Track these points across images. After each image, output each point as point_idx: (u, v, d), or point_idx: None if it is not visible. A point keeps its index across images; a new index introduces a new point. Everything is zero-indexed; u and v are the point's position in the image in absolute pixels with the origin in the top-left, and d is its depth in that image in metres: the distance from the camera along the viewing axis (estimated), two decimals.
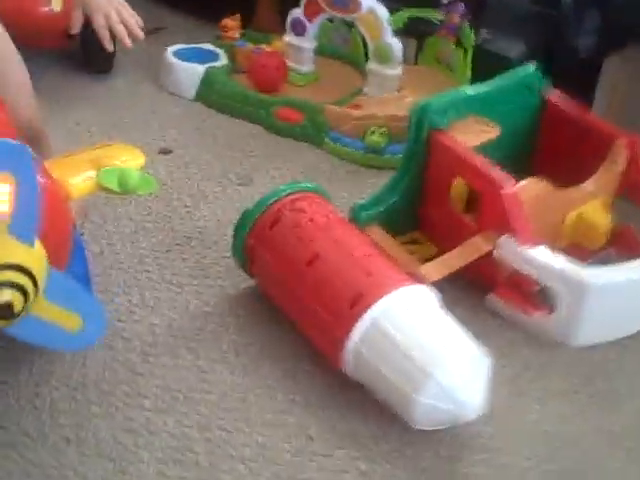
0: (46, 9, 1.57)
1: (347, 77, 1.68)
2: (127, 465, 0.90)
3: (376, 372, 0.91)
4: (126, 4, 1.06)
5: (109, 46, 1.07)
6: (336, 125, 1.50)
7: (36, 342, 0.88)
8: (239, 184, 1.40)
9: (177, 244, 1.24)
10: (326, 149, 1.51)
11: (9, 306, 0.78)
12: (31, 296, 0.79)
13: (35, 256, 0.80)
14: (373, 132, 1.46)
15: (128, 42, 1.07)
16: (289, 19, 1.61)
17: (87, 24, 1.59)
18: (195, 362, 1.03)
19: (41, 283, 0.80)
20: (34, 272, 0.79)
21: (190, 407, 0.97)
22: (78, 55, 1.71)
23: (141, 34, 1.08)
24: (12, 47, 1.12)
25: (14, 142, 0.80)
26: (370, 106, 1.52)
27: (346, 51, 1.73)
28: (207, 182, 1.40)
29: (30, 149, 0.81)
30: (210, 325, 1.09)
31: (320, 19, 1.60)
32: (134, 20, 1.07)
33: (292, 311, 1.04)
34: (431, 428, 0.91)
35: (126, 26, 1.06)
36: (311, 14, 1.58)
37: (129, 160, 1.03)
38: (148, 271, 1.18)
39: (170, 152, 1.47)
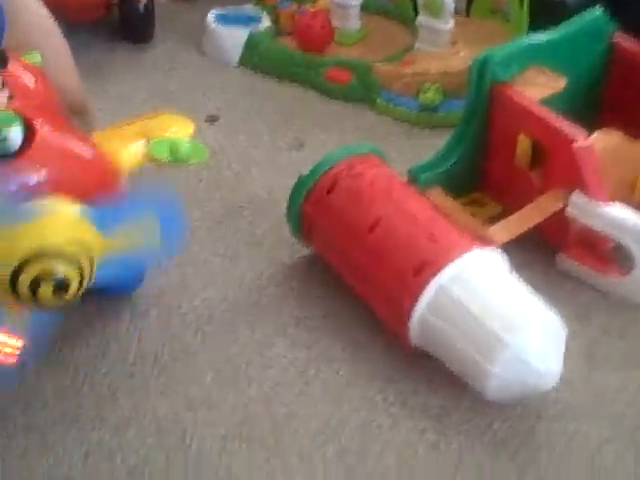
0: None
1: (396, 33, 1.61)
2: (190, 443, 0.87)
3: (446, 341, 0.87)
4: None
5: None
6: (387, 84, 1.44)
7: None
8: (290, 149, 1.35)
9: (229, 214, 1.20)
10: (378, 109, 1.45)
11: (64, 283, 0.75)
12: (86, 271, 0.77)
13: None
14: (427, 89, 1.39)
15: None
16: None
17: None
18: (253, 336, 1.00)
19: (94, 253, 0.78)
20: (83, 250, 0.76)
21: (251, 382, 0.94)
22: (118, 26, 1.67)
23: None
24: (51, 21, 1.10)
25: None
26: (422, 62, 1.45)
27: (393, 6, 1.66)
28: (257, 149, 1.35)
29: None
30: (266, 297, 1.05)
31: None
32: None
33: (353, 280, 1.00)
34: (505, 399, 0.86)
35: None
36: None
37: (179, 130, 1.00)
38: (201, 243, 1.14)
39: (217, 119, 1.43)
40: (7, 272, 0.73)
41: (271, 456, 0.86)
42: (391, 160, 1.12)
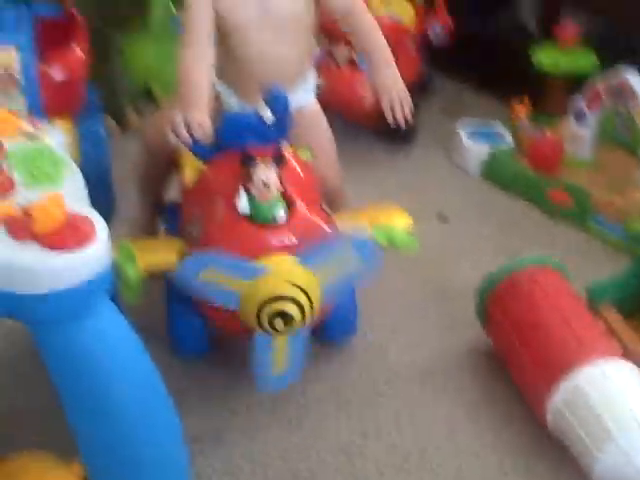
0: (363, 90, 1.88)
1: (624, 166, 1.77)
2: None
3: (571, 428, 1.05)
4: (405, 91, 1.29)
5: (390, 118, 1.30)
6: (602, 210, 1.62)
7: None
8: (503, 254, 1.56)
9: (434, 298, 1.46)
10: (590, 232, 1.64)
11: (287, 319, 1.07)
12: (294, 327, 1.08)
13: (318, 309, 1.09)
14: (635, 220, 1.54)
15: (402, 119, 1.29)
16: (571, 106, 1.75)
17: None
18: (425, 391, 1.25)
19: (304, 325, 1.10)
20: (310, 317, 1.08)
21: (411, 425, 1.18)
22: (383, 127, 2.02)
23: (408, 117, 1.30)
24: (325, 123, 1.42)
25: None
26: (638, 195, 1.61)
27: (628, 140, 1.82)
28: (473, 249, 1.60)
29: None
30: (446, 365, 1.30)
31: (601, 108, 1.71)
32: (408, 105, 1.29)
33: (513, 366, 1.20)
34: None
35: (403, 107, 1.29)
36: (592, 103, 1.71)
37: (399, 222, 1.28)
38: (405, 313, 1.42)
39: (447, 220, 1.70)
40: (254, 311, 1.08)
41: None
42: (586, 276, 1.31)
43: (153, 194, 1.53)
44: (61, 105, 1.48)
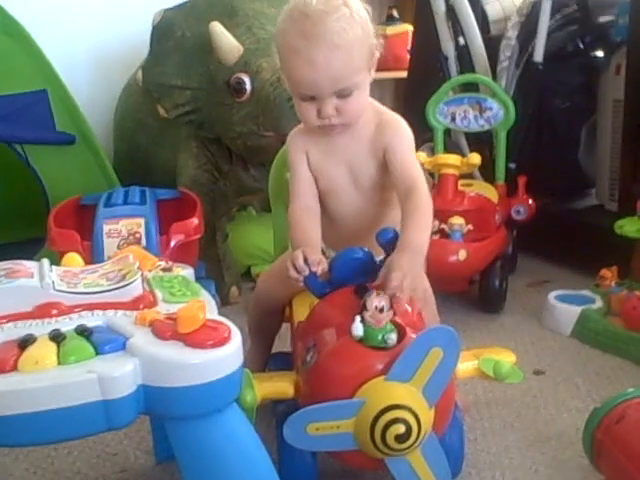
0: (454, 259, 1.99)
1: None
2: None
3: None
4: (423, 282, 1.27)
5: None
6: None
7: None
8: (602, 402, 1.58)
9: (538, 441, 1.46)
10: None
11: (401, 437, 1.11)
12: (412, 442, 1.11)
13: (428, 416, 1.13)
14: None
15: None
16: None
17: (485, 272, 2.04)
18: None
19: (422, 437, 1.13)
20: (423, 426, 1.12)
21: None
22: (476, 297, 2.12)
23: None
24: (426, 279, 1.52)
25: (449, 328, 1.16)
26: None
27: None
28: (572, 399, 1.61)
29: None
30: None
31: None
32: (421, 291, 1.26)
33: None
34: None
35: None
36: None
37: (504, 357, 1.34)
38: (511, 458, 1.42)
39: (543, 373, 1.73)
40: (368, 422, 1.12)
41: None
42: None
43: (264, 345, 1.62)
44: None
